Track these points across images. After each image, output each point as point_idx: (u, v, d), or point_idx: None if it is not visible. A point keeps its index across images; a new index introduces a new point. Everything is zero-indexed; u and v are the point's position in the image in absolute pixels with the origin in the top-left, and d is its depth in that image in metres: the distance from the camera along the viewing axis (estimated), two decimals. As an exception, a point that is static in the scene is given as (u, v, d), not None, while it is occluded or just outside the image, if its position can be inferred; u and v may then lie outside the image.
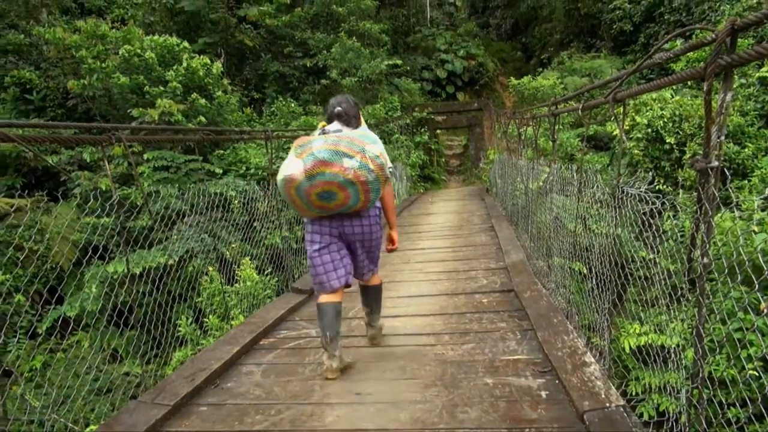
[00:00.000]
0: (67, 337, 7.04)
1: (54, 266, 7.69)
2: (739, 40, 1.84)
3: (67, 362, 5.82)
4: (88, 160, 9.51)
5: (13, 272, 7.25)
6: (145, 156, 9.00)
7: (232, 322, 5.10)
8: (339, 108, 3.22)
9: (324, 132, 3.15)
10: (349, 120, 3.24)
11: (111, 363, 6.58)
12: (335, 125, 3.20)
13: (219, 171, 9.86)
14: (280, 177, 3.07)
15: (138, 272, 6.62)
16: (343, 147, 2.96)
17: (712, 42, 1.84)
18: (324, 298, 3.31)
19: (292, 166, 3.01)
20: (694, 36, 11.02)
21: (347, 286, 3.40)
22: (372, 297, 3.68)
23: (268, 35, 16.29)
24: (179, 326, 5.69)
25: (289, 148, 11.10)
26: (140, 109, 9.42)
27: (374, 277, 3.66)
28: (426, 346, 3.65)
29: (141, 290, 6.25)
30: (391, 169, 3.28)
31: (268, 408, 2.91)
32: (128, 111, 9.68)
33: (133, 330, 6.62)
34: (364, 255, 3.49)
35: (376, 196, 3.18)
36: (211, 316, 5.51)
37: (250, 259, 6.17)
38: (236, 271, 5.97)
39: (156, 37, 10.93)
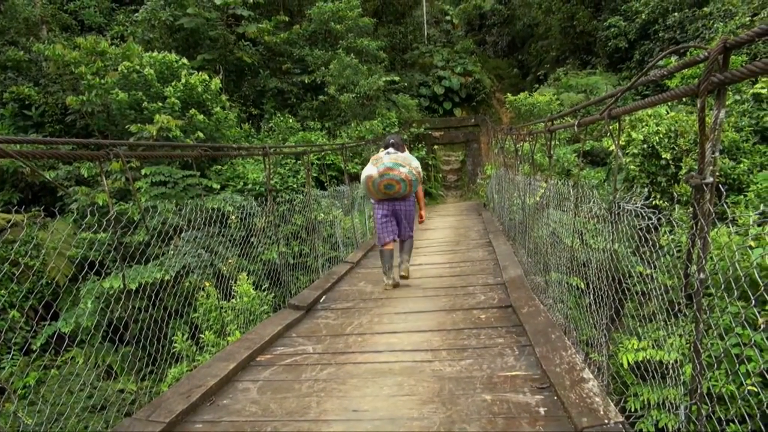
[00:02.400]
0: (61, 353, 6.99)
1: (50, 282, 7.66)
2: (732, 57, 1.86)
3: (61, 379, 5.77)
4: (85, 176, 9.53)
5: (8, 288, 7.21)
6: (143, 171, 9.02)
7: (229, 338, 5.07)
8: (392, 140, 5.71)
9: (387, 153, 5.54)
10: (398, 147, 5.67)
11: (105, 379, 6.52)
12: (391, 150, 5.59)
13: (216, 186, 9.88)
14: (363, 175, 5.56)
15: (134, 288, 6.59)
16: (399, 161, 5.47)
17: (705, 60, 1.86)
18: (384, 247, 5.77)
19: (371, 170, 5.48)
20: (688, 53, 11.14)
21: (394, 241, 5.82)
22: (406, 247, 5.92)
23: (266, 52, 16.42)
24: (175, 342, 5.65)
25: (286, 163, 11.16)
26: (138, 124, 9.46)
27: (411, 234, 5.94)
28: (423, 362, 3.63)
29: (137, 306, 6.22)
30: (422, 176, 5.96)
31: (264, 425, 2.88)
32: (126, 127, 9.71)
33: (129, 346, 6.57)
34: (405, 223, 5.85)
35: (414, 189, 5.66)
36: (207, 332, 5.48)
37: (247, 275, 6.15)
38: (233, 287, 5.95)
39: (155, 53, 11.02)
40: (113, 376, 6.57)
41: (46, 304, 7.72)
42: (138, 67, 10.36)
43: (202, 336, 5.53)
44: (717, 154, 1.94)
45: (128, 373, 5.98)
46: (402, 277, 5.78)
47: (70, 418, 4.73)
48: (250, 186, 10.43)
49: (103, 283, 6.92)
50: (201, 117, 10.06)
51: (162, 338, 4.46)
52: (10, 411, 5.55)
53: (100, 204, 8.18)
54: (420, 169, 5.64)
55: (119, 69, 10.27)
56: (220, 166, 10.88)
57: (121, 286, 4.23)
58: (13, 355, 6.61)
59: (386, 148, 5.59)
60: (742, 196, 7.41)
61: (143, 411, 3.01)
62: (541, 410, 2.76)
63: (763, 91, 9.34)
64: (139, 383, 4.26)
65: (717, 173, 1.98)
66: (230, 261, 6.97)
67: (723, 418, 2.45)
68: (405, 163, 5.45)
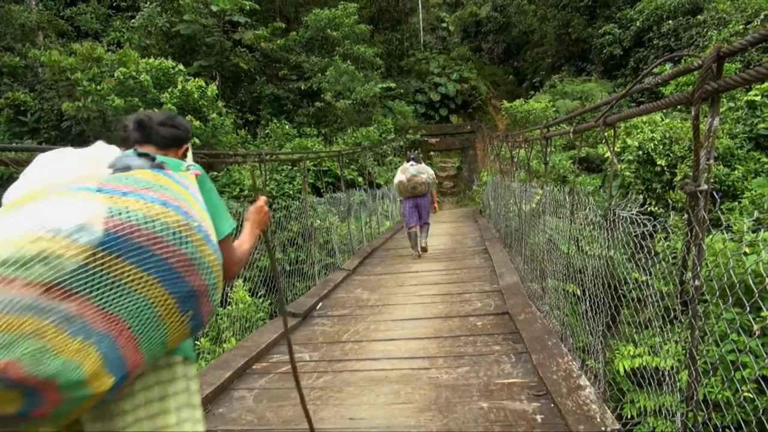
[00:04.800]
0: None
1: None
2: (726, 65, 1.88)
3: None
4: (81, 182, 9.49)
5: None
6: (139, 178, 9.00)
7: (225, 346, 5.05)
8: (413, 156, 7.93)
9: (411, 165, 7.71)
10: (417, 160, 7.86)
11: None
12: (413, 162, 7.78)
13: (212, 193, 9.85)
14: (396, 180, 7.86)
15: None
16: (421, 170, 7.69)
17: (699, 68, 1.88)
18: (410, 230, 7.90)
19: (401, 177, 7.70)
20: (682, 61, 11.22)
21: (417, 225, 7.84)
22: (425, 230, 8.06)
23: (263, 58, 16.46)
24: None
25: (282, 170, 11.17)
26: (134, 131, 9.45)
27: (428, 220, 8.06)
28: (420, 369, 3.62)
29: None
30: (436, 180, 8.20)
31: (259, 434, 2.87)
32: (122, 133, 9.69)
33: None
34: (424, 212, 7.87)
35: (431, 189, 7.85)
36: (202, 339, 5.45)
37: (243, 282, 6.13)
38: (228, 293, 5.93)
39: (151, 59, 11.04)
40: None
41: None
42: (134, 74, 10.37)
43: (197, 343, 5.50)
44: (711, 161, 1.95)
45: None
46: (422, 249, 8.01)
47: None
48: (246, 192, 10.43)
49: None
50: (197, 123, 10.07)
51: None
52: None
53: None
54: (434, 175, 8.03)
55: (115, 75, 10.28)
56: (216, 173, 10.87)
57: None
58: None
59: (408, 161, 7.84)
60: (736, 203, 7.44)
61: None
62: (538, 418, 2.75)
63: (757, 98, 9.41)
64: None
65: (711, 180, 1.99)
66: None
67: (719, 425, 2.45)
68: (424, 171, 7.72)
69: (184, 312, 1.24)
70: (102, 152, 1.38)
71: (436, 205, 8.53)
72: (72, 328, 1.04)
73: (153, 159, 1.37)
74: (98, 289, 1.08)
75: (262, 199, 1.89)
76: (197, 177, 1.44)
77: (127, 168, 1.29)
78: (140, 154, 1.37)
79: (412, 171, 7.57)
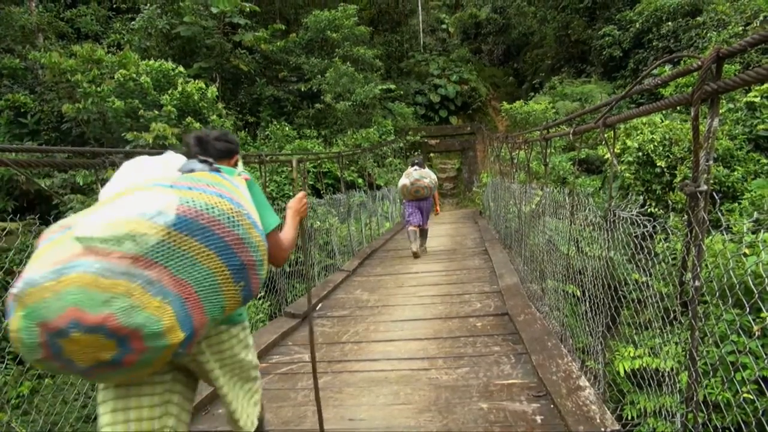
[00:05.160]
0: (55, 362, 6.93)
1: (44, 290, 7.60)
2: (725, 66, 1.88)
3: (55, 388, 5.72)
4: (81, 184, 9.50)
5: (2, 297, 7.17)
6: (139, 179, 9.00)
7: (224, 347, 5.04)
8: (417, 161, 8.15)
9: (415, 169, 7.95)
10: (421, 165, 8.10)
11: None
12: (417, 167, 8.00)
13: (212, 194, 9.86)
14: (400, 184, 8.07)
15: (129, 296, 6.55)
16: (423, 174, 7.91)
17: (699, 69, 1.88)
18: (410, 227, 8.08)
19: (405, 180, 7.92)
20: (681, 62, 11.23)
21: (417, 225, 8.05)
22: (424, 235, 8.44)
23: (263, 60, 16.48)
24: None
25: (282, 171, 11.18)
26: (135, 132, 9.46)
27: (426, 226, 8.33)
28: (420, 370, 3.62)
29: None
30: (438, 183, 8.66)
31: (259, 435, 2.86)
32: (122, 135, 9.71)
33: (124, 355, 6.52)
34: (425, 214, 8.13)
35: (432, 193, 8.10)
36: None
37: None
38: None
39: (151, 61, 11.05)
40: (108, 386, 6.52)
41: (40, 312, 7.66)
42: (134, 75, 10.38)
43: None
44: (711, 162, 1.95)
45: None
46: (419, 250, 8.27)
47: (65, 428, 4.69)
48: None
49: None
50: (197, 125, 10.07)
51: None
52: (3, 421, 5.49)
53: (96, 212, 8.14)
54: (436, 179, 8.28)
55: (116, 77, 10.29)
56: (216, 174, 10.88)
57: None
58: (6, 364, 6.56)
59: (413, 166, 8.12)
60: (736, 204, 7.43)
61: (138, 420, 2.99)
62: (538, 418, 2.75)
63: (757, 99, 9.41)
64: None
65: (711, 181, 2.00)
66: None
67: (719, 426, 2.45)
68: (427, 176, 8.01)
69: (237, 282, 1.56)
70: (171, 159, 1.79)
71: (438, 208, 8.79)
72: (153, 289, 1.36)
73: (211, 164, 1.74)
74: (172, 259, 1.40)
75: (301, 193, 2.27)
76: (246, 181, 1.81)
77: (191, 170, 1.67)
78: (201, 160, 1.75)
79: (415, 175, 7.87)
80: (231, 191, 1.60)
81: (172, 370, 1.73)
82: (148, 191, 1.47)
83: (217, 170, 1.71)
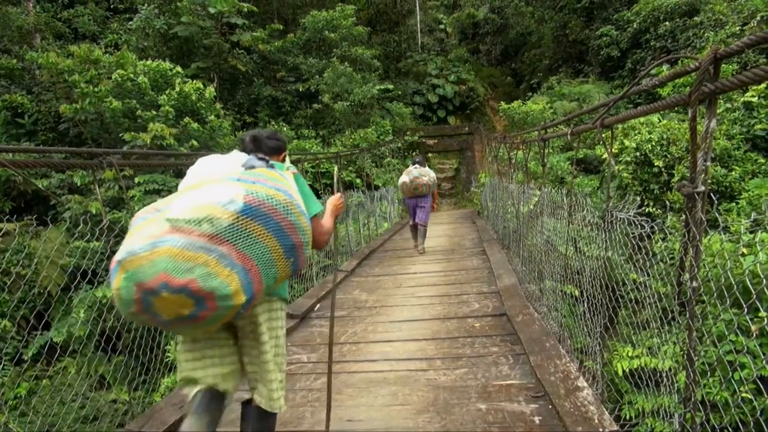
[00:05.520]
0: (53, 363, 6.92)
1: (42, 291, 7.59)
2: (723, 66, 1.88)
3: (53, 389, 5.71)
4: (78, 184, 9.48)
5: (-1, 297, 7.15)
6: (137, 179, 8.99)
7: (223, 348, 5.03)
8: (417, 159, 8.51)
9: (415, 167, 8.31)
10: (422, 164, 8.43)
11: (98, 390, 6.46)
12: (417, 165, 8.35)
13: (210, 194, 9.83)
14: (400, 182, 8.45)
15: (127, 297, 6.53)
16: (422, 173, 8.25)
17: (696, 69, 1.88)
18: (412, 224, 8.64)
19: (405, 178, 8.30)
20: (679, 63, 11.24)
21: (418, 222, 8.45)
22: (421, 232, 8.58)
23: (260, 60, 16.46)
24: (168, 352, 5.60)
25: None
26: (132, 133, 9.44)
27: (426, 224, 8.57)
28: (418, 371, 3.62)
29: (130, 315, 6.17)
30: (437, 182, 9.08)
31: (257, 436, 2.85)
32: (120, 135, 9.68)
33: (121, 356, 6.51)
34: (423, 212, 8.36)
35: (431, 191, 8.37)
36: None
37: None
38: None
39: (149, 61, 11.02)
40: (106, 387, 6.51)
41: (38, 313, 7.64)
42: (132, 76, 10.35)
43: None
44: (708, 162, 1.95)
45: (121, 383, 5.93)
46: (420, 247, 8.60)
47: (63, 429, 4.68)
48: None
49: (96, 293, 6.86)
50: (195, 125, 10.05)
51: (155, 347, 4.43)
52: (1, 422, 5.48)
53: (94, 212, 8.14)
54: (435, 177, 8.65)
55: (113, 77, 10.27)
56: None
57: (114, 295, 4.19)
58: (4, 365, 6.54)
59: (414, 164, 8.48)
60: (734, 204, 7.45)
61: (136, 422, 2.99)
62: (536, 419, 2.75)
63: (754, 99, 9.43)
64: (132, 394, 4.22)
65: (709, 181, 2.00)
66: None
67: (717, 426, 2.45)
68: (426, 174, 8.32)
69: (288, 258, 1.93)
70: (236, 157, 2.12)
71: (435, 203, 9.26)
72: (224, 261, 1.72)
73: (267, 161, 2.11)
74: (239, 238, 1.77)
75: (338, 195, 2.61)
76: (294, 174, 2.18)
77: (253, 167, 2.03)
78: (260, 158, 2.10)
79: (414, 173, 8.25)
80: (285, 185, 1.97)
81: (229, 329, 2.12)
82: (221, 184, 1.86)
83: (272, 166, 2.08)
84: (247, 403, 2.25)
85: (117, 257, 1.72)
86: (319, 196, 9.07)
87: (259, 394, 2.18)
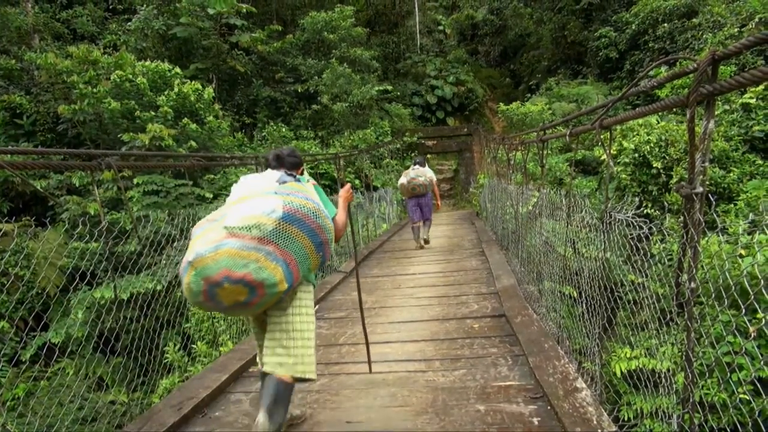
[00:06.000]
0: (51, 364, 6.91)
1: (40, 292, 7.58)
2: (721, 68, 1.89)
3: (50, 390, 5.70)
4: (77, 185, 9.47)
5: (-3, 299, 7.13)
6: (135, 180, 8.98)
7: (221, 349, 5.03)
8: (418, 160, 9.05)
9: (413, 168, 8.81)
10: (422, 164, 8.91)
11: (96, 391, 6.45)
12: (417, 166, 8.84)
13: (209, 195, 9.83)
14: (399, 183, 9.01)
15: (125, 298, 6.54)
16: (419, 173, 8.74)
17: (695, 71, 1.89)
18: (414, 224, 8.99)
19: (403, 179, 8.85)
20: (677, 64, 11.26)
21: (419, 220, 8.88)
22: (426, 225, 9.05)
23: (259, 61, 16.45)
24: (167, 353, 5.59)
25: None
26: (131, 133, 9.43)
27: (428, 219, 9.05)
28: (417, 372, 3.62)
29: (128, 316, 6.16)
30: (436, 181, 9.21)
31: (256, 437, 2.85)
32: (119, 136, 9.67)
33: (120, 357, 6.50)
34: (426, 209, 8.87)
35: (429, 190, 8.86)
36: (199, 343, 5.44)
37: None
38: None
39: (148, 62, 11.01)
40: (104, 388, 6.50)
41: (36, 314, 7.63)
42: (131, 76, 10.34)
43: (194, 346, 5.49)
44: (707, 163, 1.96)
45: (119, 384, 5.92)
46: (424, 241, 9.13)
47: (61, 431, 4.67)
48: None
49: (94, 294, 6.86)
50: (194, 126, 10.05)
51: (153, 349, 4.42)
52: (-2, 423, 5.47)
53: (92, 213, 8.12)
54: (434, 176, 9.07)
55: (112, 78, 10.25)
56: (212, 176, 10.84)
57: (113, 296, 4.20)
58: (2, 366, 6.53)
59: (414, 165, 8.92)
60: (732, 205, 7.46)
61: (135, 424, 2.98)
62: (535, 420, 2.75)
63: (752, 100, 9.45)
64: (130, 395, 4.22)
65: (707, 183, 2.00)
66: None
67: (715, 427, 2.45)
68: (423, 174, 8.74)
69: (318, 253, 2.47)
70: (270, 175, 2.57)
71: (438, 202, 9.56)
72: (271, 257, 2.24)
73: (294, 176, 2.64)
74: (281, 239, 2.28)
75: (347, 186, 3.04)
76: (314, 185, 2.68)
77: (285, 182, 2.51)
78: (289, 174, 2.63)
79: (411, 174, 8.73)
80: (311, 195, 2.52)
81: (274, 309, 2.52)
82: (263, 197, 2.36)
83: (299, 180, 2.60)
84: (266, 374, 2.46)
85: (187, 258, 2.20)
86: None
87: (281, 366, 2.43)
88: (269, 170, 2.67)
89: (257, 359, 2.69)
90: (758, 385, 3.54)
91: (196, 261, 2.16)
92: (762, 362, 3.72)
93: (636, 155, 8.83)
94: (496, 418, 2.81)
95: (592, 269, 3.37)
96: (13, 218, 9.05)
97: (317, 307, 5.60)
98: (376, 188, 13.59)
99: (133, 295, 6.49)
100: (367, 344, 3.34)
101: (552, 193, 4.87)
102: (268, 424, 2.29)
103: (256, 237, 2.21)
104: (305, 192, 2.48)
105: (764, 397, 3.48)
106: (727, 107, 9.89)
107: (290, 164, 2.80)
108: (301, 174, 2.82)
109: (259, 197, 2.35)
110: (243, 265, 2.16)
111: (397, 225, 12.81)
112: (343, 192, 2.96)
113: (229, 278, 2.15)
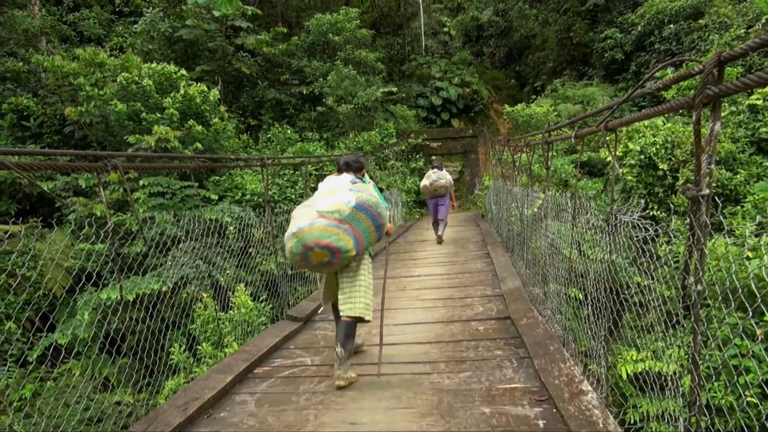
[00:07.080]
0: (58, 365, 6.94)
1: (47, 293, 7.62)
2: (727, 69, 1.88)
3: (57, 391, 5.73)
4: (83, 186, 9.52)
5: (5, 299, 7.18)
6: (141, 182, 9.02)
7: (226, 350, 5.05)
8: (436, 164, 9.86)
9: (434, 171, 9.53)
10: (440, 167, 9.70)
11: (102, 392, 6.48)
12: (436, 169, 9.58)
13: (215, 197, 9.86)
14: (422, 184, 9.77)
15: (131, 299, 6.56)
16: (441, 176, 9.44)
17: (701, 72, 1.88)
18: (434, 222, 10.01)
19: (425, 181, 9.56)
20: (684, 65, 11.21)
21: (439, 218, 9.76)
22: (441, 225, 9.78)
23: (265, 63, 16.49)
24: (172, 354, 5.62)
25: (284, 174, 11.20)
26: (137, 135, 9.47)
27: (445, 218, 9.84)
28: (422, 374, 3.62)
29: (134, 317, 6.19)
30: (453, 184, 10.36)
31: (261, 438, 2.86)
32: (125, 137, 9.72)
33: (126, 358, 6.52)
34: (444, 209, 9.63)
35: (449, 191, 9.62)
36: (204, 344, 5.46)
37: (245, 286, 6.13)
38: (231, 298, 5.93)
39: (154, 64, 11.06)
40: (110, 389, 6.53)
41: (42, 315, 7.68)
42: (137, 78, 10.39)
43: (199, 348, 5.50)
44: (713, 165, 1.95)
45: (125, 385, 5.94)
46: (439, 238, 9.87)
47: (67, 431, 4.69)
48: (248, 197, 10.44)
49: (101, 295, 6.89)
50: (199, 128, 10.08)
51: (159, 350, 4.44)
52: (5, 423, 5.50)
53: (98, 215, 8.16)
54: (452, 180, 9.93)
55: (118, 80, 10.30)
56: (218, 177, 10.88)
57: (119, 297, 4.21)
58: (9, 366, 6.57)
59: (432, 168, 9.66)
60: (739, 207, 7.43)
61: (140, 424, 2.99)
62: (540, 423, 2.74)
63: (759, 102, 9.40)
64: (136, 396, 4.23)
65: (713, 185, 1.99)
66: (228, 272, 6.95)
67: (722, 430, 2.44)
68: (443, 177, 9.45)
69: (377, 231, 3.61)
70: (345, 176, 3.70)
71: (454, 203, 10.61)
72: (347, 233, 3.39)
73: (361, 178, 3.78)
74: (354, 221, 3.44)
75: (390, 225, 3.92)
76: (373, 185, 3.72)
77: (355, 182, 3.64)
78: (358, 177, 3.77)
79: (433, 177, 9.48)
80: (373, 192, 3.63)
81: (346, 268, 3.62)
82: (343, 192, 3.51)
83: (364, 181, 3.73)
84: (339, 319, 3.59)
85: (291, 230, 3.36)
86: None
87: (350, 309, 3.48)
88: (344, 173, 3.79)
89: (321, 302, 4.08)
90: (765, 388, 3.52)
91: (298, 232, 3.30)
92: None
93: (642, 157, 8.80)
94: (501, 421, 2.80)
95: (598, 271, 3.36)
96: (21, 219, 9.11)
97: (322, 309, 5.62)
98: (381, 190, 13.57)
99: (138, 296, 6.52)
100: (381, 348, 3.73)
101: (557, 194, 4.86)
102: (343, 352, 3.38)
103: (338, 219, 3.34)
104: (369, 190, 3.61)
105: (772, 400, 3.46)
106: (733, 109, 9.85)
107: (355, 168, 3.86)
108: (363, 176, 3.89)
109: (339, 192, 3.49)
110: (328, 236, 3.28)
111: (402, 227, 12.80)
112: (390, 226, 3.94)
113: (318, 245, 3.27)
